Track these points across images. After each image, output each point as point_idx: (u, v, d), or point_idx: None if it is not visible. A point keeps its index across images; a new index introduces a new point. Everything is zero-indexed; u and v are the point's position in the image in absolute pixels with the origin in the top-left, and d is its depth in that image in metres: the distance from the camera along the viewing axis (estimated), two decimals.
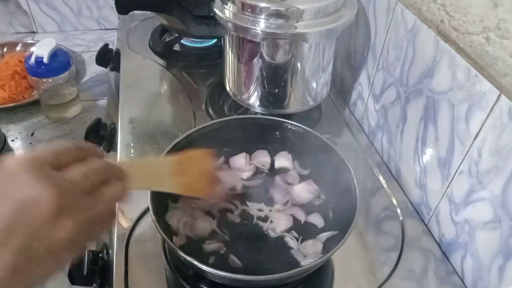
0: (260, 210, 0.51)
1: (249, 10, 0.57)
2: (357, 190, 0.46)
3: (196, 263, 0.39)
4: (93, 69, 1.01)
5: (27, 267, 0.27)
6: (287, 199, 0.52)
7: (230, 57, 0.65)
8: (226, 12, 0.59)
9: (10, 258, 0.26)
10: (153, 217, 0.42)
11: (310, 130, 0.54)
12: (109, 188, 0.33)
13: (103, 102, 0.94)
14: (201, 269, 0.40)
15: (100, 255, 0.52)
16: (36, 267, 0.28)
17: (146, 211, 0.54)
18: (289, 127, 0.55)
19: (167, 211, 0.49)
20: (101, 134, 0.72)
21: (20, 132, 0.86)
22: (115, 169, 0.35)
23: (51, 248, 0.28)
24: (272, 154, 0.57)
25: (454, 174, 0.51)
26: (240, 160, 0.56)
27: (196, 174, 0.45)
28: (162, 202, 0.48)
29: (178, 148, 0.50)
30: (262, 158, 0.56)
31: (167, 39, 0.93)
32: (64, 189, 0.29)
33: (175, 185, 0.43)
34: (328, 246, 0.47)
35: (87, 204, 0.31)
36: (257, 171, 0.55)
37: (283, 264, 0.46)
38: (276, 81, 0.63)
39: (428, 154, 0.56)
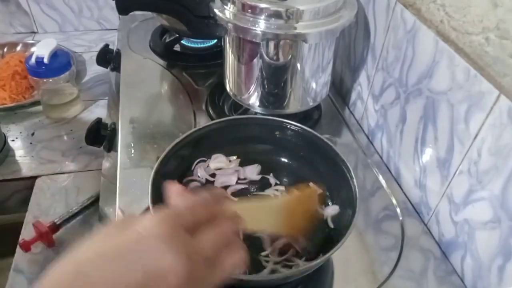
0: None
1: (249, 10, 0.57)
2: (356, 190, 0.46)
3: None
4: (93, 69, 1.01)
5: None
6: None
7: (230, 57, 0.65)
8: (226, 13, 0.59)
9: None
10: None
11: (310, 130, 0.54)
12: (231, 257, 0.31)
13: (103, 102, 0.94)
14: None
15: None
16: None
17: (146, 211, 0.54)
18: (289, 127, 0.56)
19: None
20: (102, 134, 0.72)
21: (21, 132, 0.86)
22: (235, 225, 0.33)
23: None
24: (273, 154, 0.57)
25: (454, 174, 0.51)
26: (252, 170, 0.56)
27: (302, 214, 0.44)
28: (162, 202, 0.48)
29: (178, 148, 0.51)
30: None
31: (168, 40, 0.94)
32: (196, 262, 0.28)
33: (282, 227, 0.42)
34: (327, 246, 0.47)
35: (210, 275, 0.29)
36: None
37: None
38: (276, 82, 0.64)
39: (428, 154, 0.56)
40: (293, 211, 0.42)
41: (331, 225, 0.50)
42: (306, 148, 0.55)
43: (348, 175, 0.49)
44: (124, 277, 0.25)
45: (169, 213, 0.29)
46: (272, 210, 0.41)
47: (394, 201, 0.60)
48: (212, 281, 0.30)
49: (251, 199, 0.46)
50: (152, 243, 0.26)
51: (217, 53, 0.87)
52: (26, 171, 0.79)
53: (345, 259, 0.51)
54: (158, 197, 0.45)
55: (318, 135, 0.53)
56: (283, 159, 0.58)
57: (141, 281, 0.25)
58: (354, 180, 0.47)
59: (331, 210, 0.50)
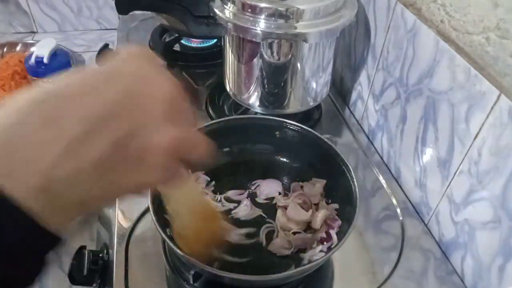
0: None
1: (249, 10, 0.57)
2: (357, 189, 0.46)
3: (198, 263, 0.39)
4: None
5: (113, 169, 0.23)
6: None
7: (230, 57, 0.65)
8: (226, 12, 0.59)
9: (104, 149, 0.22)
10: (153, 217, 0.42)
11: (310, 129, 0.54)
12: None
13: None
14: (203, 269, 0.40)
15: (100, 255, 0.52)
16: (116, 176, 0.23)
17: (146, 211, 0.54)
18: (289, 127, 0.55)
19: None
20: None
21: None
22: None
23: (142, 154, 0.23)
24: (273, 154, 0.57)
25: (454, 174, 0.51)
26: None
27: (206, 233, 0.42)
28: (162, 202, 0.48)
29: None
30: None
31: (167, 39, 0.93)
32: (182, 98, 0.25)
33: (194, 226, 0.40)
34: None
35: (189, 118, 0.27)
36: None
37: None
38: (276, 81, 0.63)
39: (428, 154, 0.56)
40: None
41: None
42: (306, 148, 0.55)
43: (348, 175, 0.48)
44: (105, 91, 0.22)
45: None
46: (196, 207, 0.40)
47: (395, 201, 0.60)
48: (190, 127, 0.27)
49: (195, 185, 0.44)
50: (143, 64, 0.25)
51: (217, 52, 0.87)
52: None
53: (345, 259, 0.51)
54: (157, 198, 0.45)
55: (318, 135, 0.53)
56: (283, 159, 0.58)
57: (128, 92, 0.23)
58: (355, 180, 0.47)
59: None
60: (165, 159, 0.24)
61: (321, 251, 0.47)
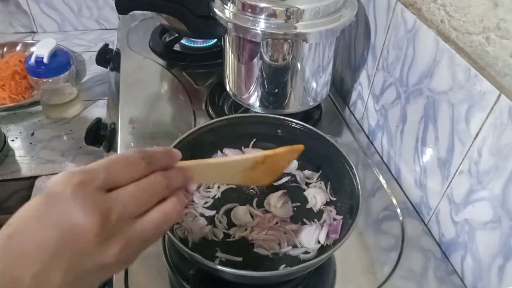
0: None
1: (249, 10, 0.57)
2: (359, 187, 0.46)
3: (204, 260, 0.39)
4: (93, 69, 1.01)
5: (76, 284, 0.27)
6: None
7: (230, 57, 0.65)
8: (226, 12, 0.59)
9: (60, 277, 0.26)
10: None
11: (312, 127, 0.54)
12: (159, 208, 0.31)
13: (103, 102, 0.94)
14: (206, 265, 0.40)
15: None
16: (85, 284, 0.28)
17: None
18: (291, 124, 0.55)
19: None
20: (101, 134, 0.72)
21: (20, 132, 0.86)
22: (177, 180, 0.33)
23: (97, 269, 0.28)
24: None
25: (454, 174, 0.51)
26: None
27: (270, 170, 0.43)
28: None
29: (180, 147, 0.50)
30: None
31: (167, 39, 0.93)
32: (110, 216, 0.28)
33: (241, 179, 0.41)
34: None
35: (136, 230, 0.29)
36: None
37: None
38: (276, 81, 0.64)
39: (428, 154, 0.56)
40: (260, 166, 0.40)
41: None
42: (308, 146, 0.54)
43: (350, 172, 0.49)
44: (44, 237, 0.27)
45: (80, 170, 0.29)
46: (233, 167, 0.40)
47: (395, 201, 0.60)
48: (144, 234, 0.30)
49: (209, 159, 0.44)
50: (62, 202, 0.27)
51: (217, 52, 0.87)
52: (25, 171, 0.79)
53: (345, 259, 0.51)
54: None
55: (320, 132, 0.53)
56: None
57: (56, 235, 0.27)
58: (357, 178, 0.47)
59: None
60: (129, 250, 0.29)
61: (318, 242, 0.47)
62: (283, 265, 0.46)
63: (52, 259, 0.26)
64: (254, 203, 0.52)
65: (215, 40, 0.91)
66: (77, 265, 0.27)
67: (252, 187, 0.54)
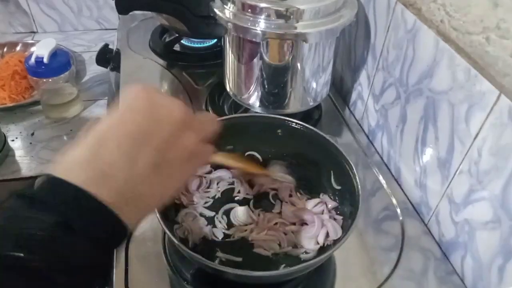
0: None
1: (249, 10, 0.57)
2: (359, 186, 0.46)
3: (204, 260, 0.39)
4: (93, 69, 1.01)
5: (164, 167, 0.31)
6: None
7: (230, 57, 0.65)
8: (226, 12, 0.59)
9: (152, 154, 0.30)
10: (158, 214, 0.42)
11: (312, 127, 0.54)
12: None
13: (103, 102, 0.94)
14: (206, 265, 0.40)
15: None
16: (170, 170, 0.31)
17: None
18: (291, 124, 0.56)
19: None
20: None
21: (20, 132, 0.86)
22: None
23: (179, 155, 0.32)
24: (275, 152, 0.57)
25: (454, 174, 0.51)
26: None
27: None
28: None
29: None
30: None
31: (167, 39, 0.93)
32: (185, 110, 0.33)
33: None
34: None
35: (200, 124, 0.35)
36: None
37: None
38: (276, 81, 0.64)
39: (428, 154, 0.56)
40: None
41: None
42: (308, 145, 0.55)
43: (350, 172, 0.49)
44: (135, 120, 0.30)
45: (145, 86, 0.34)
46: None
47: (394, 201, 0.60)
48: (199, 144, 0.34)
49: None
50: (149, 94, 0.32)
51: (217, 52, 0.87)
52: (26, 171, 0.78)
53: (345, 259, 0.51)
54: None
55: (320, 132, 0.53)
56: (285, 157, 0.58)
57: (151, 117, 0.31)
58: (357, 177, 0.47)
59: None
60: (197, 147, 0.34)
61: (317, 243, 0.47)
62: (283, 265, 0.46)
63: (146, 137, 0.30)
64: (251, 204, 0.52)
65: (215, 40, 0.91)
66: (164, 145, 0.31)
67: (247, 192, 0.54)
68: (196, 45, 0.92)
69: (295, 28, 0.57)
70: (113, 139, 0.30)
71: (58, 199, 0.27)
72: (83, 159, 0.29)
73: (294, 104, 0.66)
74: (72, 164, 0.29)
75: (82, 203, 0.27)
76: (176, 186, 0.34)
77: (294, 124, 0.55)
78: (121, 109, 0.32)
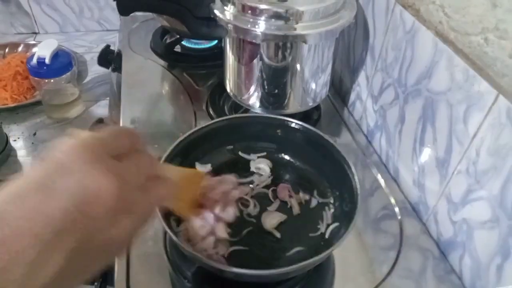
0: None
1: (249, 11, 0.58)
2: (358, 186, 0.47)
3: (204, 259, 0.40)
4: (94, 70, 1.01)
5: (75, 270, 0.25)
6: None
7: (230, 58, 0.66)
8: (226, 14, 0.60)
9: (61, 259, 0.23)
10: (159, 213, 0.43)
11: (311, 127, 0.54)
12: (160, 185, 0.30)
13: (104, 102, 0.94)
14: (207, 264, 0.40)
15: None
16: (84, 270, 0.26)
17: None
18: (291, 125, 0.56)
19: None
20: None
21: (22, 132, 0.86)
22: (160, 167, 0.33)
23: (103, 248, 0.26)
24: (275, 152, 0.58)
25: (452, 174, 0.51)
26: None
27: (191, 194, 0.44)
28: None
29: (179, 149, 0.51)
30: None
31: (168, 41, 0.94)
32: (125, 182, 0.26)
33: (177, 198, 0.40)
34: (328, 243, 0.47)
35: (141, 201, 0.28)
36: None
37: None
38: (275, 82, 0.64)
39: (427, 154, 0.56)
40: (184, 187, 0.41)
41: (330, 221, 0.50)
42: (308, 145, 0.55)
43: (349, 172, 0.49)
44: (47, 209, 0.23)
45: (88, 136, 0.27)
46: (189, 183, 0.41)
47: (393, 201, 0.60)
48: (146, 208, 0.29)
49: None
50: (74, 167, 0.24)
51: (218, 54, 0.87)
52: None
53: (344, 258, 0.51)
54: None
55: (320, 132, 0.54)
56: (285, 157, 0.58)
57: (70, 206, 0.24)
58: (356, 177, 0.48)
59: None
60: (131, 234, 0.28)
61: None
62: (295, 249, 0.46)
63: (55, 238, 0.23)
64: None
65: (216, 41, 0.91)
66: (86, 241, 0.24)
67: None
68: (196, 46, 0.92)
69: (295, 29, 0.57)
70: (13, 232, 0.22)
71: None
72: None
73: (294, 105, 0.67)
74: None
75: None
76: (102, 267, 0.27)
77: (294, 124, 0.56)
78: (37, 171, 0.25)
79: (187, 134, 0.52)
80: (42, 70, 0.85)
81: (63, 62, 0.87)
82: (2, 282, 0.21)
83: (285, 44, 0.59)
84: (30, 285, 0.22)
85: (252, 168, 0.57)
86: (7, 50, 1.05)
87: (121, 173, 0.26)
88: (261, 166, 0.56)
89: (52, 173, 0.25)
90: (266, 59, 0.61)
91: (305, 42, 0.59)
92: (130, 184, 0.27)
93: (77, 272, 0.25)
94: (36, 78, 0.86)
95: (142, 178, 0.29)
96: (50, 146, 0.26)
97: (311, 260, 0.42)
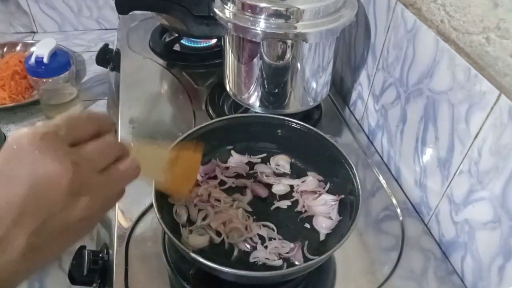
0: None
1: (249, 10, 0.57)
2: (359, 186, 0.47)
3: (204, 261, 0.39)
4: (93, 69, 1.01)
5: (41, 247, 0.27)
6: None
7: (230, 57, 0.65)
8: (226, 12, 0.59)
9: (24, 239, 0.26)
10: (157, 215, 0.42)
11: (312, 127, 0.54)
12: (122, 167, 0.32)
13: (103, 102, 0.94)
14: (206, 265, 0.40)
15: (100, 255, 0.52)
16: (50, 247, 0.28)
17: (146, 211, 0.54)
18: (291, 124, 0.56)
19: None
20: None
21: None
22: (126, 148, 0.34)
23: (66, 227, 0.28)
24: (275, 152, 0.57)
25: (454, 174, 0.51)
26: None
27: (184, 172, 0.44)
28: (165, 202, 0.48)
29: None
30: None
31: (167, 39, 0.93)
32: (80, 167, 0.28)
33: (164, 177, 0.42)
34: (330, 244, 0.47)
35: (102, 183, 0.30)
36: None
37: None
38: (276, 81, 0.64)
39: (428, 154, 0.56)
40: (174, 167, 0.42)
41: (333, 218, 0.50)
42: (308, 145, 0.55)
43: (350, 172, 0.49)
44: (7, 196, 0.26)
45: (43, 125, 0.29)
46: (160, 158, 0.42)
47: (395, 201, 0.60)
48: (110, 189, 0.31)
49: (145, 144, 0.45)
50: (28, 155, 0.26)
51: (217, 52, 0.87)
52: None
53: (345, 259, 0.51)
54: (161, 197, 0.45)
55: (320, 132, 0.53)
56: (285, 157, 0.58)
57: (26, 191, 0.26)
58: (357, 177, 0.47)
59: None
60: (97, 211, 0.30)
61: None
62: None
63: (20, 218, 0.26)
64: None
65: (215, 40, 0.91)
66: (45, 224, 0.26)
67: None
68: (196, 45, 0.92)
69: (295, 28, 0.57)
70: None
71: None
72: None
73: (294, 104, 0.66)
74: None
75: None
76: (69, 247, 0.30)
77: (294, 124, 0.55)
78: None
79: (186, 133, 0.52)
80: (40, 69, 0.84)
81: (61, 61, 0.87)
82: None
83: (286, 43, 0.59)
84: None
85: (272, 165, 0.56)
86: (5, 49, 1.04)
87: (77, 159, 0.28)
88: (280, 162, 0.56)
89: (9, 162, 0.27)
90: (266, 58, 0.60)
91: (305, 41, 0.58)
92: (88, 167, 0.29)
93: (44, 249, 0.27)
94: (34, 78, 0.86)
95: (103, 161, 0.30)
96: (10, 137, 0.28)
97: (311, 262, 0.41)
